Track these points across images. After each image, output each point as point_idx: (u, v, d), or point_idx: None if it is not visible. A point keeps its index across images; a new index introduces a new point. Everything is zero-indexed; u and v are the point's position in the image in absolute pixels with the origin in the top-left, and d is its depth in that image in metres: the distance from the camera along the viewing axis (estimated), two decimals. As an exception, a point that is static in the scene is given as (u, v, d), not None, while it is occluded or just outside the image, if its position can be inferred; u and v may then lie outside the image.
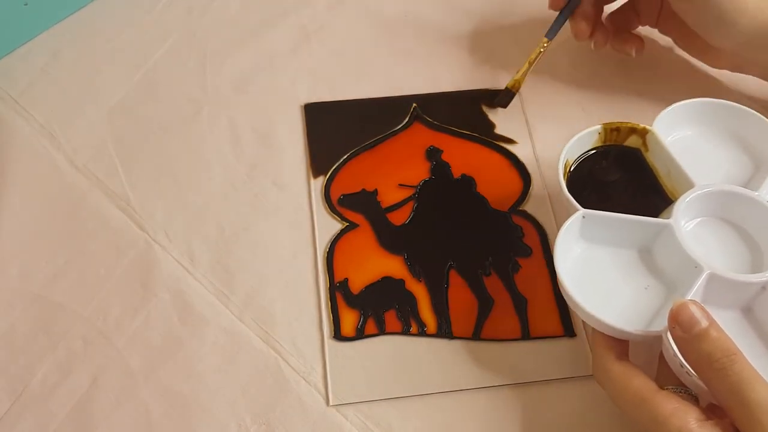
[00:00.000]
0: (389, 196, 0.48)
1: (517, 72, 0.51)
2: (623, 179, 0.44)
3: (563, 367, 0.42)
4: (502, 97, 0.51)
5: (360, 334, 0.43)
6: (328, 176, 0.48)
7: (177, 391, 0.41)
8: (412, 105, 0.52)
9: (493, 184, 0.48)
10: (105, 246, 0.46)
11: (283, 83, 0.53)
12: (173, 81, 0.53)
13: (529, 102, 0.52)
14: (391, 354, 0.42)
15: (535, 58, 0.51)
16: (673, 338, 0.35)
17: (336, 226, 0.46)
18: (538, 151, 0.50)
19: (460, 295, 0.44)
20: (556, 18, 0.51)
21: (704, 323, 0.34)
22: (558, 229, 0.46)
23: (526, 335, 0.43)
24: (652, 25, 0.52)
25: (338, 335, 0.42)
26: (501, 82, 0.53)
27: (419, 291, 0.44)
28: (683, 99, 0.45)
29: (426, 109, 0.52)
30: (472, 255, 0.45)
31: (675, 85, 0.52)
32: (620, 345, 0.38)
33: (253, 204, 0.48)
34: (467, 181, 0.48)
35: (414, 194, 0.48)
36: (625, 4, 0.52)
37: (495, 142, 0.50)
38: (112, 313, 0.43)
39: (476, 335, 0.43)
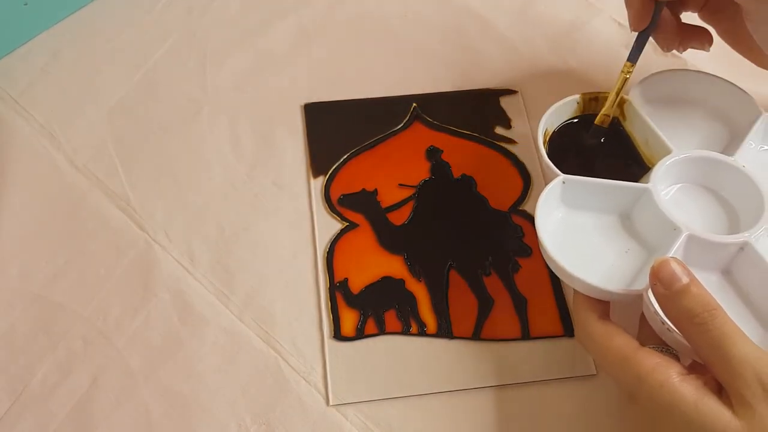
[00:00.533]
0: (389, 195, 0.48)
1: (605, 106, 0.46)
2: (602, 148, 0.45)
3: (563, 367, 0.42)
4: (593, 135, 0.46)
5: (360, 334, 0.43)
6: (328, 176, 0.48)
7: (177, 391, 0.41)
8: (412, 105, 0.52)
9: (493, 183, 0.48)
10: (105, 246, 0.46)
11: (283, 83, 0.53)
12: (173, 81, 0.53)
13: (529, 101, 0.52)
14: (391, 354, 0.42)
15: (622, 87, 0.45)
16: (654, 295, 0.35)
17: (336, 225, 0.46)
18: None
19: (460, 295, 0.44)
20: (636, 39, 0.45)
21: (685, 279, 0.34)
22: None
23: (526, 335, 0.43)
24: (695, 11, 0.46)
25: (338, 335, 0.42)
26: (501, 82, 0.53)
27: (419, 291, 0.44)
28: None
29: (426, 109, 0.52)
30: (472, 255, 0.45)
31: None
32: (602, 305, 0.38)
33: (253, 204, 0.48)
34: (467, 181, 0.48)
35: (414, 194, 0.48)
36: None
37: (495, 142, 0.50)
38: (112, 313, 0.43)
39: (476, 335, 0.43)
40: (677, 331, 0.34)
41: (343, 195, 0.48)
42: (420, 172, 0.49)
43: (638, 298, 0.37)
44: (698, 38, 0.47)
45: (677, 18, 0.47)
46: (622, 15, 0.56)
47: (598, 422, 0.40)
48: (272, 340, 0.42)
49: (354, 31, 0.56)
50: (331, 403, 0.40)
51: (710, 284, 0.37)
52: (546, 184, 0.41)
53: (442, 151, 0.50)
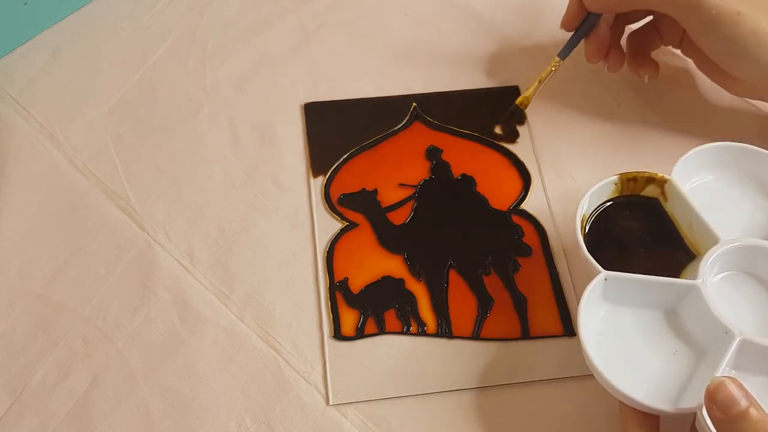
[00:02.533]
0: (389, 195, 0.48)
1: (527, 89, 0.50)
2: (643, 232, 0.43)
3: (563, 366, 0.42)
4: (510, 116, 0.50)
5: (360, 334, 0.43)
6: (328, 176, 0.48)
7: (177, 390, 0.41)
8: (411, 104, 0.52)
9: (493, 183, 0.48)
10: (105, 245, 0.46)
11: (283, 83, 0.53)
12: (173, 80, 0.53)
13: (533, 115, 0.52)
14: (391, 353, 0.42)
15: (546, 77, 0.49)
16: (710, 418, 0.33)
17: (336, 225, 0.46)
18: (537, 150, 0.50)
19: (459, 294, 0.44)
20: (570, 37, 0.49)
21: (744, 403, 0.32)
22: (557, 228, 0.46)
23: (525, 335, 0.43)
24: (675, 46, 0.50)
25: (338, 335, 0.42)
26: (501, 82, 0.53)
27: (419, 290, 0.44)
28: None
29: (426, 109, 0.52)
30: (472, 254, 0.45)
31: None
32: (651, 420, 0.36)
33: (252, 203, 0.48)
34: (467, 181, 0.48)
35: (414, 194, 0.48)
36: (647, 23, 0.50)
37: (495, 142, 0.50)
38: (111, 313, 0.43)
39: (476, 335, 0.43)
40: None
41: (343, 194, 0.48)
42: (420, 171, 0.49)
43: (690, 413, 0.35)
44: (645, 66, 0.49)
45: (618, 32, 0.50)
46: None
47: (598, 422, 0.40)
48: (272, 340, 0.42)
49: (354, 31, 0.56)
50: (330, 402, 0.40)
51: (764, 389, 0.36)
52: (584, 274, 0.39)
53: (442, 150, 0.50)
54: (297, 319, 0.43)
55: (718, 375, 0.34)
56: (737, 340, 0.36)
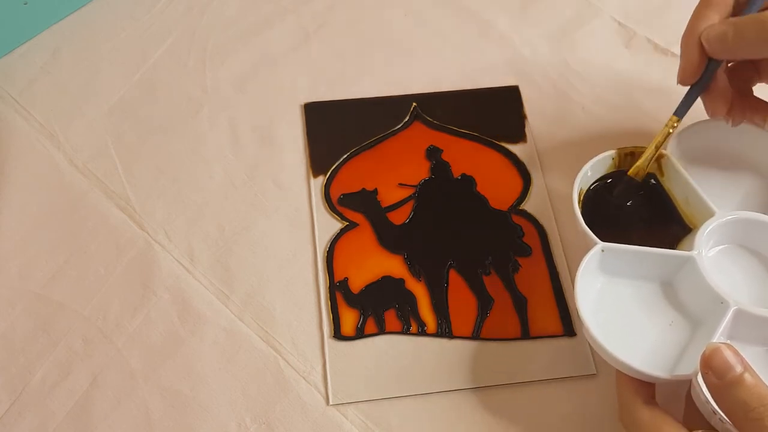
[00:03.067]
0: (389, 195, 0.48)
1: (641, 158, 0.43)
2: (640, 206, 0.43)
3: (563, 366, 0.42)
4: (625, 190, 0.44)
5: (360, 334, 0.43)
6: (328, 175, 0.48)
7: (177, 390, 0.41)
8: (411, 104, 0.52)
9: (493, 183, 0.48)
10: (105, 245, 0.46)
11: (283, 82, 0.53)
12: (173, 80, 0.53)
13: (529, 100, 0.52)
14: (391, 353, 0.42)
15: (663, 141, 0.43)
16: (705, 384, 0.33)
17: (336, 225, 0.46)
18: (538, 149, 0.50)
19: (459, 294, 0.44)
20: (686, 93, 0.43)
21: (738, 369, 0.32)
22: (557, 228, 0.46)
23: (525, 335, 0.43)
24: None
25: (338, 334, 0.42)
26: (501, 82, 0.53)
27: (419, 290, 0.44)
28: None
29: (426, 109, 0.52)
30: (472, 254, 0.45)
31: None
32: (647, 388, 0.36)
33: (253, 203, 0.48)
34: (467, 181, 0.48)
35: (414, 193, 0.48)
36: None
37: (495, 142, 0.50)
38: (111, 313, 0.43)
39: (476, 335, 0.43)
40: (729, 422, 0.32)
41: (343, 194, 0.48)
42: (420, 171, 0.49)
43: (686, 380, 0.35)
44: (756, 112, 0.43)
45: (745, 88, 0.44)
46: (623, 14, 0.57)
47: (598, 422, 0.40)
48: (272, 340, 0.42)
49: (354, 31, 0.56)
50: (330, 402, 0.40)
51: (758, 358, 0.37)
52: (581, 244, 0.39)
53: (442, 150, 0.50)
54: (297, 319, 0.43)
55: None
56: (732, 309, 0.37)
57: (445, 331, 0.43)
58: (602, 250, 0.39)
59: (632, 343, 0.38)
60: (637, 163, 0.43)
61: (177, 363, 0.42)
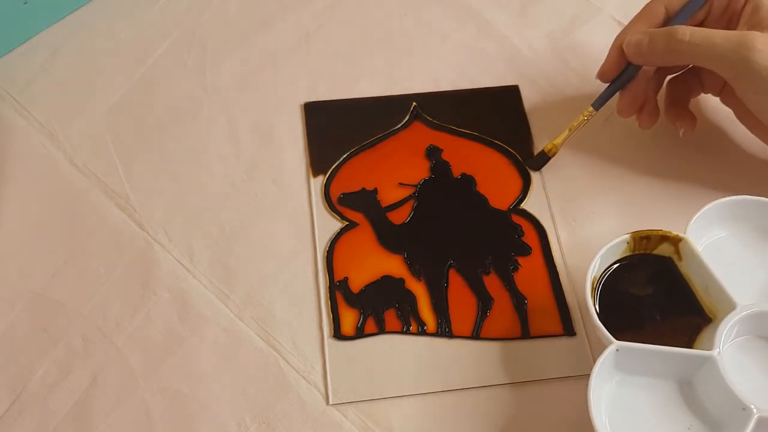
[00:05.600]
0: (389, 194, 0.48)
1: (556, 137, 0.48)
2: (656, 293, 0.41)
3: (563, 366, 0.42)
4: (536, 160, 0.48)
5: (360, 333, 0.43)
6: (327, 175, 0.48)
7: (177, 389, 0.41)
8: (411, 104, 0.52)
9: (493, 182, 0.48)
10: (104, 245, 0.46)
11: (282, 82, 0.53)
12: (173, 80, 0.53)
13: (529, 100, 0.52)
14: (390, 353, 0.42)
15: (577, 126, 0.47)
16: None
17: (336, 224, 0.46)
18: (538, 149, 0.50)
19: (459, 294, 0.44)
20: (606, 88, 0.47)
21: None
22: (556, 228, 0.46)
23: (525, 334, 0.43)
24: (716, 94, 0.48)
25: (338, 334, 0.42)
26: (501, 82, 0.53)
27: (419, 290, 0.44)
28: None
29: (426, 108, 0.52)
30: (472, 254, 0.45)
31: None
32: None
33: (252, 203, 0.48)
34: (467, 180, 0.48)
35: (414, 193, 0.48)
36: (688, 69, 0.48)
37: (495, 141, 0.50)
38: (111, 312, 0.43)
39: (476, 334, 0.43)
40: None
41: (343, 194, 0.48)
42: (420, 171, 0.49)
43: None
44: (682, 118, 0.47)
45: (657, 86, 0.47)
46: (623, 14, 0.57)
47: (598, 421, 0.40)
48: (272, 339, 0.42)
49: (354, 31, 0.56)
50: (330, 402, 0.40)
51: None
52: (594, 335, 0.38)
53: (442, 150, 0.50)
54: (297, 319, 0.43)
55: None
56: (755, 417, 0.35)
57: (445, 330, 0.43)
58: (617, 350, 0.37)
59: None
60: (554, 141, 0.48)
61: (177, 362, 0.42)
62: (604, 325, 0.38)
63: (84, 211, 0.47)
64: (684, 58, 0.44)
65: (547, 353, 0.42)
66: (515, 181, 0.48)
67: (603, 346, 0.37)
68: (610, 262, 0.41)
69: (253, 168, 0.49)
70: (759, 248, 0.42)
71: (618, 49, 0.46)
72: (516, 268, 0.45)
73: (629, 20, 0.47)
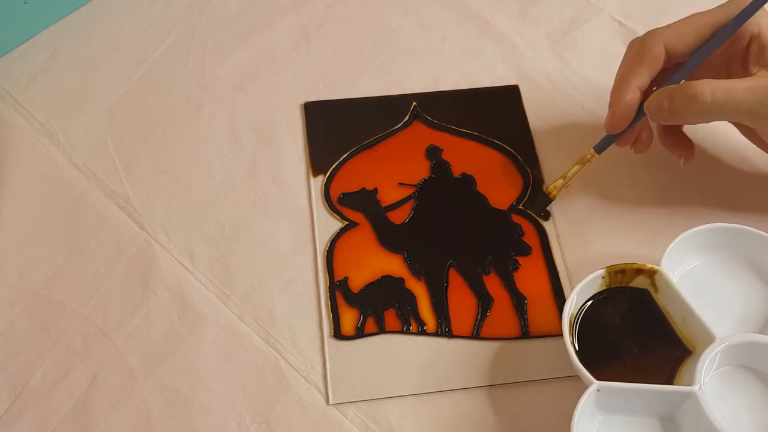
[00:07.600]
0: (389, 194, 0.48)
1: (558, 179, 0.46)
2: (635, 327, 0.41)
3: (563, 365, 0.41)
4: (538, 203, 0.47)
5: (360, 333, 0.43)
6: (327, 175, 0.48)
7: (177, 389, 0.41)
8: (411, 104, 0.52)
9: (493, 182, 0.48)
10: (104, 244, 0.46)
11: (282, 82, 0.53)
12: (173, 79, 0.53)
13: (529, 100, 0.52)
14: (390, 353, 0.42)
15: (581, 169, 0.46)
16: None
17: (336, 224, 0.46)
18: (538, 148, 0.50)
19: (459, 293, 0.44)
20: (607, 136, 0.45)
21: None
22: (556, 228, 0.46)
23: (525, 334, 0.43)
24: None
25: (338, 334, 0.42)
26: (501, 82, 0.53)
27: (419, 290, 0.44)
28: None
29: (426, 108, 0.52)
30: (472, 254, 0.45)
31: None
32: None
33: (252, 202, 0.48)
34: (467, 180, 0.48)
35: (414, 193, 0.48)
36: None
37: (495, 141, 0.50)
38: (111, 312, 0.43)
39: (476, 334, 0.43)
40: None
41: (343, 194, 0.48)
42: (420, 170, 0.49)
43: None
44: (680, 146, 0.45)
45: (669, 127, 0.45)
46: (623, 14, 0.57)
47: (598, 421, 0.40)
48: (272, 339, 0.42)
49: (354, 30, 0.56)
50: (330, 401, 0.40)
51: None
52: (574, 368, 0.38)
53: (442, 150, 0.50)
54: (297, 319, 0.43)
55: None
56: None
57: (444, 330, 0.43)
58: (598, 390, 0.37)
59: None
60: (554, 183, 0.46)
61: (177, 362, 0.42)
62: (584, 362, 0.38)
63: (84, 210, 0.47)
64: (709, 118, 0.42)
65: (547, 353, 0.42)
66: (515, 181, 0.48)
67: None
68: (587, 298, 0.41)
69: (253, 168, 0.49)
70: (735, 275, 0.42)
71: (626, 103, 0.43)
72: (516, 268, 0.45)
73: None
